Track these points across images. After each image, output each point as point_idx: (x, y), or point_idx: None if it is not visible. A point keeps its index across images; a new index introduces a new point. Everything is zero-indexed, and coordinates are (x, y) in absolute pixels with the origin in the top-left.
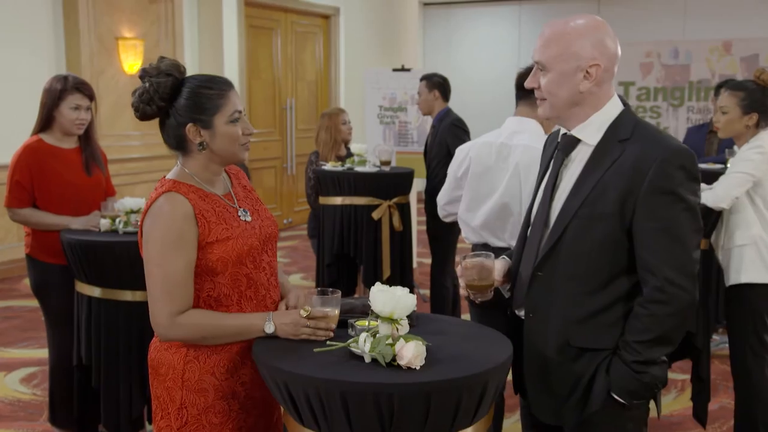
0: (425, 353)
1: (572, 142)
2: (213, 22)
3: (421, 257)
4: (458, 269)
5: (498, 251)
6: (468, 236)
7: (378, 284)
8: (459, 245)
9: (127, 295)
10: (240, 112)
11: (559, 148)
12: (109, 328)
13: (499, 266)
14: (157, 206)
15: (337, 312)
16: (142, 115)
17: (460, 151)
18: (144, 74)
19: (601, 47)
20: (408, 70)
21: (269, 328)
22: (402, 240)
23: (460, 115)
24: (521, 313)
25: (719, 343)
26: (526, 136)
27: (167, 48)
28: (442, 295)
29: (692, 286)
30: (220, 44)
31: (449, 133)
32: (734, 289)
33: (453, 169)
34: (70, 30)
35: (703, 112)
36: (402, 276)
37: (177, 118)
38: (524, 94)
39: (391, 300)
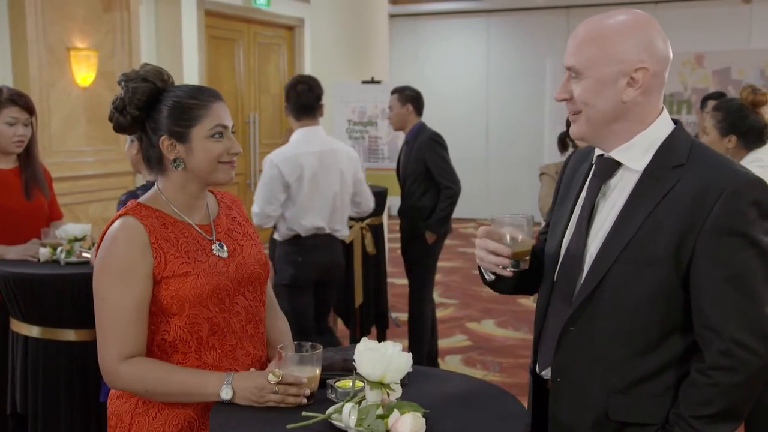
0: (424, 426)
1: (611, 167)
2: (171, 33)
3: (393, 277)
4: (481, 235)
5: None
6: (290, 231)
7: (364, 340)
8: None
9: (70, 335)
10: (225, 127)
11: (595, 173)
12: (48, 372)
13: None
14: (111, 232)
15: (317, 372)
16: (117, 126)
17: (288, 160)
18: (122, 79)
19: (649, 48)
20: (378, 82)
21: (226, 394)
22: (375, 264)
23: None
24: (547, 374)
25: None
26: (333, 140)
27: (123, 59)
28: (421, 322)
29: (765, 349)
30: (180, 56)
31: (428, 149)
32: None
33: (283, 176)
34: (16, 39)
35: None
36: (376, 302)
37: (152, 129)
38: (303, 106)
39: (381, 361)
